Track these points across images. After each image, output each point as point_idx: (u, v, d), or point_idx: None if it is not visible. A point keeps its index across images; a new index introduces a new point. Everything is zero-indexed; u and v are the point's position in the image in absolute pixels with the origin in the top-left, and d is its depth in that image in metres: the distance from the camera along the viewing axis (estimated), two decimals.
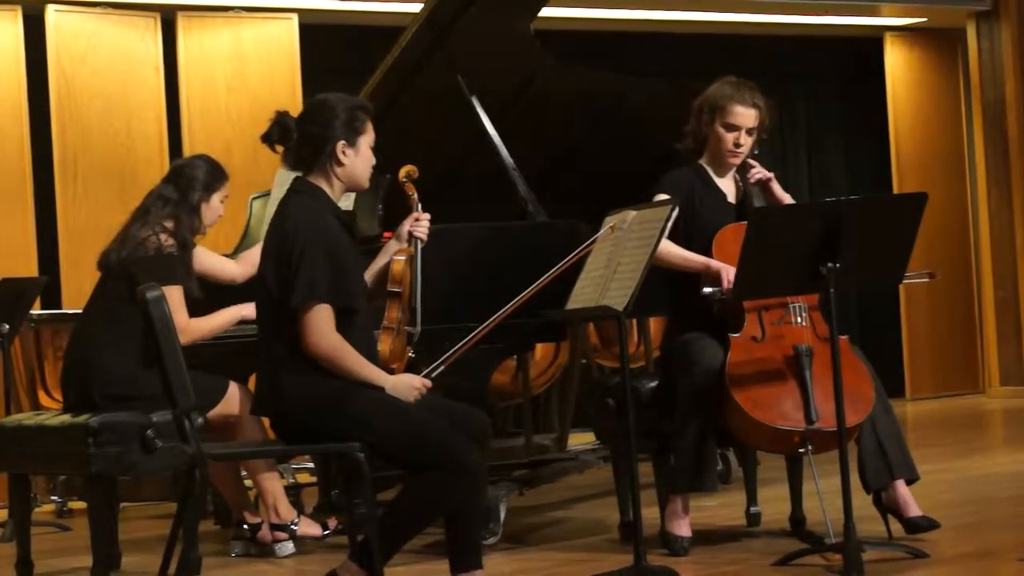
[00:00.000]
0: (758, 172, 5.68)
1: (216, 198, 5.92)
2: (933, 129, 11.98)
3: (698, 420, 5.35)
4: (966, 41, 11.73)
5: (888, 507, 5.43)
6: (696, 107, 5.72)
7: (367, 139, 4.80)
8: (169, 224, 5.78)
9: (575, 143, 6.99)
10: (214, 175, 5.92)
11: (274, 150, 4.83)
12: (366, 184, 4.87)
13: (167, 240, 5.72)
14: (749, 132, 5.64)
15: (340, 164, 4.76)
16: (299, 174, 4.82)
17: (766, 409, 5.23)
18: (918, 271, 5.51)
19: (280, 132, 4.78)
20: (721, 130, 5.64)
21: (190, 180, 5.86)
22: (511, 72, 6.69)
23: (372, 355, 4.74)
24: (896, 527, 5.41)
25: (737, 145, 5.63)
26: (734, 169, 5.72)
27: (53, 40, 8.86)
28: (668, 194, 5.55)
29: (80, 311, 6.05)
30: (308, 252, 4.59)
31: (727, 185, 5.73)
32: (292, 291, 4.58)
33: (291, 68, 9.54)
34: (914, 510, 5.40)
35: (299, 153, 4.79)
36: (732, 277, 5.33)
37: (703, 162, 5.74)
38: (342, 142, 4.74)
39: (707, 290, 5.45)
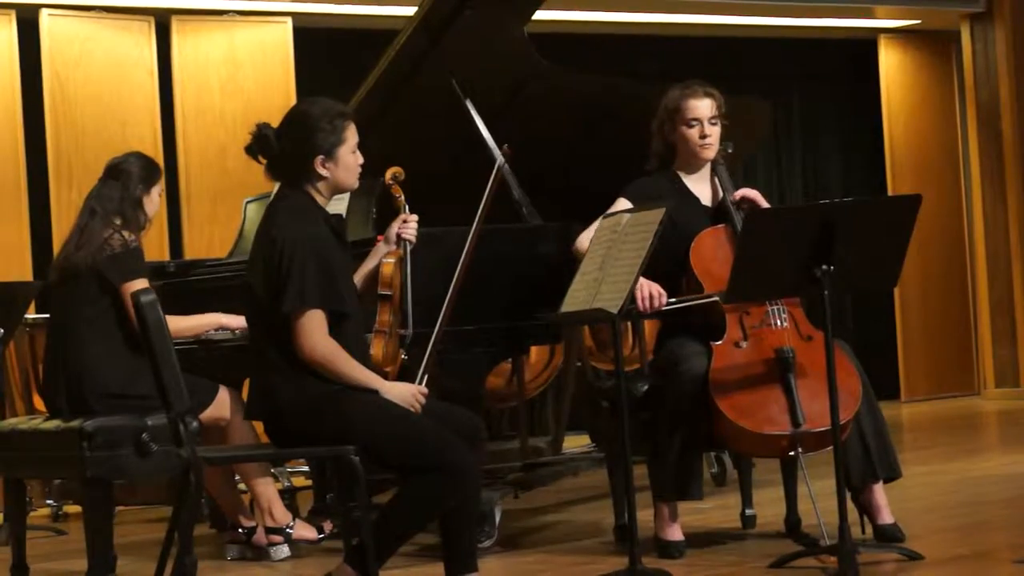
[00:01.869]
0: (741, 197, 5.66)
1: (155, 191, 5.93)
2: (927, 131, 11.99)
3: (683, 428, 5.34)
4: (960, 43, 11.74)
5: (863, 508, 5.42)
6: (656, 126, 5.74)
7: (348, 146, 4.77)
8: (117, 221, 5.78)
9: (570, 146, 6.99)
10: (149, 170, 5.93)
11: (258, 161, 4.82)
12: (354, 186, 4.86)
13: (130, 235, 5.73)
14: (712, 122, 5.64)
15: (321, 178, 4.75)
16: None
17: (751, 415, 5.22)
18: None
19: (261, 146, 4.77)
20: (684, 129, 5.64)
21: (128, 175, 5.86)
22: (505, 75, 6.69)
23: (365, 358, 4.74)
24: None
25: (704, 136, 5.64)
26: (709, 169, 5.71)
27: (47, 44, 8.86)
28: (629, 200, 5.56)
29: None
30: (298, 258, 4.58)
31: (701, 189, 5.72)
32: (283, 297, 4.58)
33: (285, 72, 9.54)
34: (885, 517, 5.37)
35: (281, 167, 4.78)
36: (645, 293, 5.30)
37: (675, 168, 5.74)
38: (320, 157, 4.73)
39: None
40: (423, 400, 4.70)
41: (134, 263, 5.68)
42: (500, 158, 5.93)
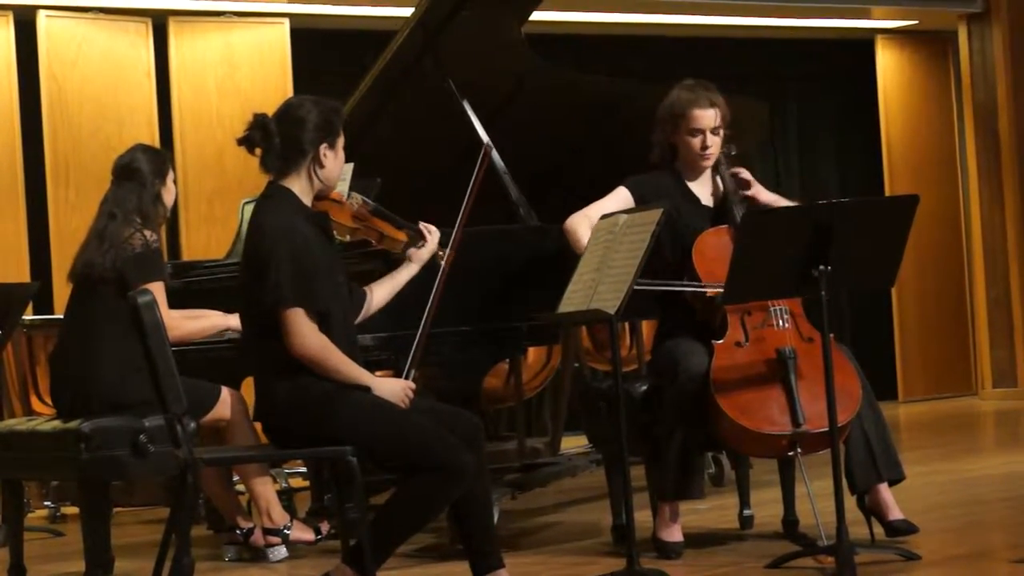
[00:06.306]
0: (742, 190, 5.67)
1: (169, 180, 5.92)
2: (924, 131, 12.00)
3: (683, 427, 5.34)
4: (957, 43, 11.74)
5: (870, 509, 5.42)
6: (659, 119, 5.74)
7: (342, 141, 4.82)
8: (139, 220, 5.76)
9: (566, 147, 6.99)
10: (160, 161, 5.91)
11: (253, 153, 4.80)
12: (335, 186, 4.89)
13: (151, 235, 5.72)
14: (714, 132, 5.65)
15: (322, 166, 4.76)
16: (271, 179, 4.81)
17: (752, 415, 5.22)
18: None
19: (261, 135, 4.75)
20: (687, 137, 5.65)
21: (141, 173, 5.84)
22: (502, 76, 6.69)
23: (354, 354, 4.72)
24: (880, 530, 5.42)
25: (704, 147, 5.65)
26: (710, 170, 5.72)
27: (44, 45, 8.86)
28: (630, 191, 5.62)
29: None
30: (274, 256, 4.58)
31: (701, 189, 5.73)
32: (263, 295, 4.59)
33: (282, 73, 9.54)
34: (895, 513, 5.39)
35: (282, 156, 4.76)
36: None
37: (677, 167, 5.75)
38: (324, 144, 4.75)
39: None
40: (411, 395, 4.70)
41: (154, 264, 5.65)
42: (486, 139, 5.86)
